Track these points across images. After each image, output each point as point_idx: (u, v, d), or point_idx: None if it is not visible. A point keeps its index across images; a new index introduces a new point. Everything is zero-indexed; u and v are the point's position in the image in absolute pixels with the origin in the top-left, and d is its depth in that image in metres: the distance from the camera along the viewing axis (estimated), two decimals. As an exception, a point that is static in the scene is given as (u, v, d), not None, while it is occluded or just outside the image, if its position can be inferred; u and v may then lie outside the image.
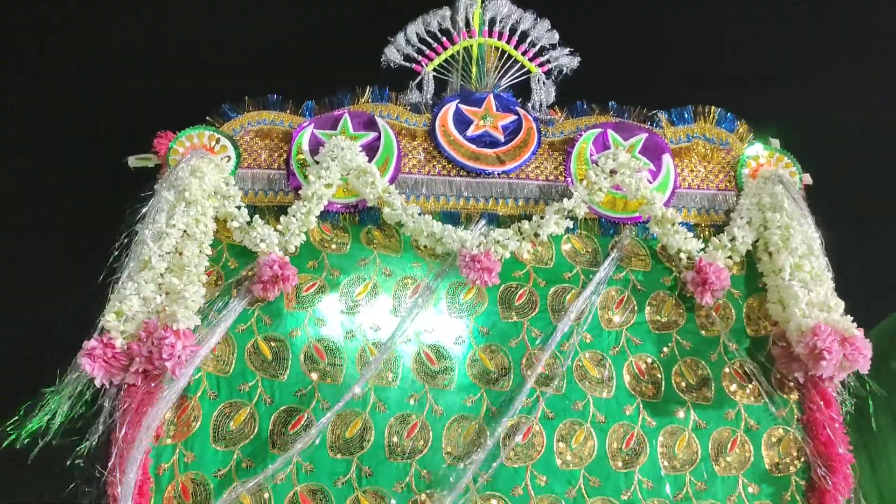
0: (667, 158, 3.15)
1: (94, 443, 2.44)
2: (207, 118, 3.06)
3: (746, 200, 3.12)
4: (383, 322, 2.83)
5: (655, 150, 3.16)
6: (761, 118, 3.24)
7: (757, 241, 3.07)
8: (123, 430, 2.44)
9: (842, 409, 2.88)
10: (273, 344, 2.75)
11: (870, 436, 3.61)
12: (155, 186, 2.86)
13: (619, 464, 2.75)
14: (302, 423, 2.63)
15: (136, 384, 2.51)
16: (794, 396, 2.90)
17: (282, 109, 3.11)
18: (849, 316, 2.83)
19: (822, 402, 2.85)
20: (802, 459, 2.84)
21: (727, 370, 2.91)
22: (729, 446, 2.82)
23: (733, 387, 2.89)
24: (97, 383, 2.47)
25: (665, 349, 2.92)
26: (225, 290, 2.79)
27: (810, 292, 2.84)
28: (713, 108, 3.26)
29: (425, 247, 2.96)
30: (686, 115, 3.25)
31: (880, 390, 3.72)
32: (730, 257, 2.99)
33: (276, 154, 3.05)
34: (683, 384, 2.88)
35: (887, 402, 3.72)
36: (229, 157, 2.98)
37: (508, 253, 2.93)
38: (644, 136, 3.18)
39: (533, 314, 2.91)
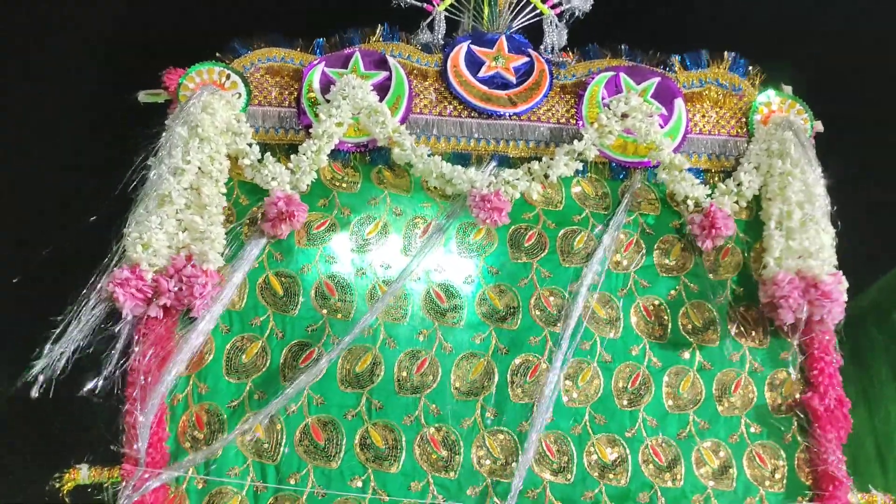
0: (679, 103, 3.13)
1: (110, 373, 2.47)
2: (217, 55, 3.03)
3: (756, 146, 3.12)
4: (393, 260, 2.85)
5: (668, 94, 3.14)
6: (775, 63, 3.21)
7: (763, 186, 3.08)
8: (142, 362, 2.47)
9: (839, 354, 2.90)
10: (284, 280, 2.78)
11: (869, 385, 3.67)
12: (166, 122, 2.85)
13: (625, 402, 2.79)
14: (313, 357, 2.67)
15: (156, 318, 2.54)
16: (796, 340, 2.93)
17: (292, 47, 3.07)
18: (831, 262, 2.85)
19: (816, 347, 2.88)
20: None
21: (733, 313, 2.94)
22: (733, 387, 2.87)
23: (738, 329, 2.93)
24: (124, 313, 2.49)
25: (672, 292, 2.95)
26: (237, 230, 2.80)
27: (792, 240, 2.87)
28: (727, 53, 3.22)
29: (435, 187, 2.96)
30: (700, 60, 3.22)
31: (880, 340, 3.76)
32: (736, 202, 3.00)
33: (287, 92, 3.03)
34: (690, 326, 2.92)
35: (887, 353, 3.77)
36: (240, 94, 2.96)
37: (518, 193, 2.94)
38: (656, 80, 3.15)
39: (542, 255, 2.93)
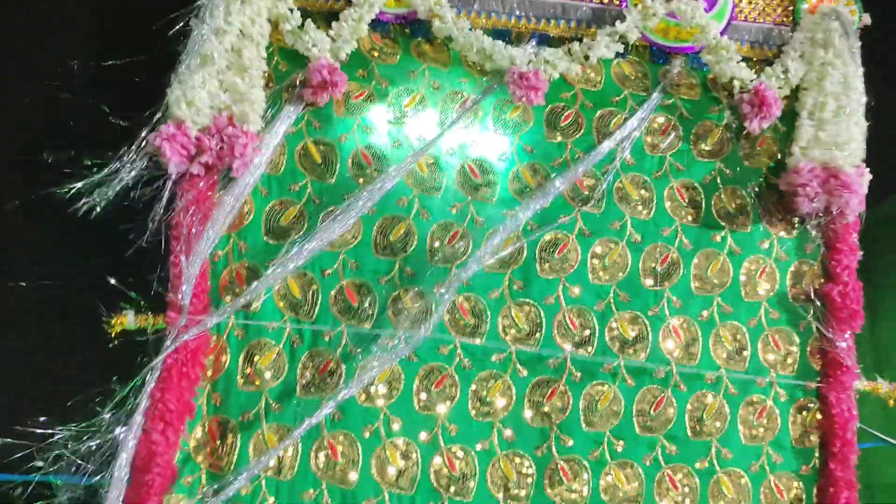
0: (726, -13, 3.07)
1: (153, 227, 2.55)
2: (260, -84, 2.96)
3: (801, 35, 3.07)
4: (429, 133, 2.87)
5: (715, -22, 3.07)
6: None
7: (804, 77, 3.05)
8: (185, 217, 2.55)
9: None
10: (322, 147, 2.81)
11: (874, 295, 3.68)
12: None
13: (650, 282, 2.86)
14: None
15: (198, 175, 2.60)
16: (814, 230, 2.98)
17: (334, -88, 3.00)
18: (857, 155, 2.88)
19: (838, 239, 2.94)
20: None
21: (765, 201, 2.98)
22: (759, 273, 2.93)
23: (769, 218, 2.97)
24: (171, 169, 2.55)
25: (707, 176, 2.98)
26: (276, 94, 2.82)
27: (822, 131, 2.88)
28: (779, -63, 3.13)
29: (474, 63, 2.95)
30: (752, -58, 3.13)
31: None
32: (781, 88, 2.98)
33: (328, -43, 2.98)
34: (723, 210, 2.96)
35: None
36: (281, -42, 2.91)
37: (557, 73, 2.93)
38: (705, -38, 3.07)
39: (578, 136, 2.95)
